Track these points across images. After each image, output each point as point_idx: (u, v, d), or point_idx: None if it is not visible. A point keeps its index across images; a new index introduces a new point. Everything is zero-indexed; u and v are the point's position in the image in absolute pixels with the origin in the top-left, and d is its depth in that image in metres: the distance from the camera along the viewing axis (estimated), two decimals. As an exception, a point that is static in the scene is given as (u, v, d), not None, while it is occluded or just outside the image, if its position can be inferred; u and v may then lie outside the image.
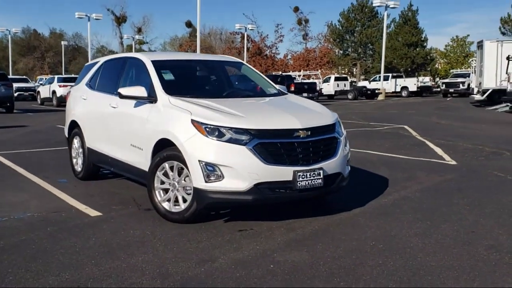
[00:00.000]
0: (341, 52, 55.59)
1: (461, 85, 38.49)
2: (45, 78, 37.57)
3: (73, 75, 36.35)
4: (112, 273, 3.59)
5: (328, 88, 40.71)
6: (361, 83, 45.06)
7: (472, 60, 44.43)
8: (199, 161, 4.51)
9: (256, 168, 4.45)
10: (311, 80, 41.31)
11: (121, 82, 6.09)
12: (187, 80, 6.23)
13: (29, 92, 34.47)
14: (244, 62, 7.31)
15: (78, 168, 6.98)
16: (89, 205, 5.46)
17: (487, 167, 7.79)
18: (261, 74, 6.71)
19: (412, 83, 43.05)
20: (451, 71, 52.78)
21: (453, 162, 8.30)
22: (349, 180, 5.33)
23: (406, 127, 14.36)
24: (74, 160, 7.11)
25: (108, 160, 6.16)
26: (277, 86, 6.32)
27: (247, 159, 4.45)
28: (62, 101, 26.12)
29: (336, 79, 41.71)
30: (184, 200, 4.79)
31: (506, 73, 23.32)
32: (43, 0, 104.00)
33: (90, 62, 7.85)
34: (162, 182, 4.93)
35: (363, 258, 3.88)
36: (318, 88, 35.28)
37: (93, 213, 5.20)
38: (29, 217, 5.04)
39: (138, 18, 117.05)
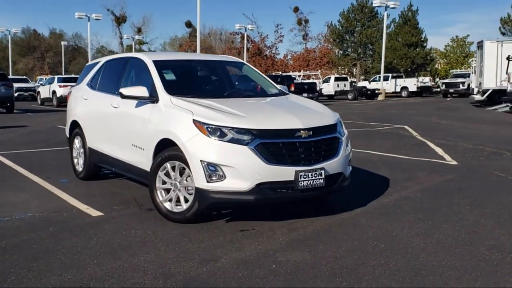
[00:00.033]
0: (341, 52, 55.63)
1: (461, 85, 38.51)
2: (45, 78, 37.57)
3: (73, 75, 36.35)
4: (114, 273, 3.59)
5: (328, 88, 40.71)
6: (361, 83, 45.07)
7: (472, 60, 44.51)
8: (201, 161, 4.51)
9: (258, 168, 4.45)
10: (311, 80, 41.34)
11: (123, 82, 6.10)
12: (188, 80, 6.23)
13: (29, 92, 34.51)
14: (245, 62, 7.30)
15: (79, 168, 6.98)
16: (91, 205, 5.46)
17: (488, 167, 7.79)
18: (262, 74, 6.72)
19: (412, 83, 43.07)
20: (451, 71, 52.83)
21: (454, 162, 8.31)
22: (350, 180, 5.33)
23: (406, 127, 14.37)
24: (75, 160, 7.11)
25: (109, 160, 6.16)
26: (278, 86, 6.33)
27: (249, 159, 4.45)
28: (62, 101, 26.18)
29: (336, 79, 41.72)
30: (186, 200, 4.79)
31: (506, 73, 23.33)
32: (43, 0, 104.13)
33: (91, 62, 7.85)
34: (164, 182, 4.93)
35: (365, 258, 3.88)
36: (318, 88, 35.30)
37: (94, 213, 5.20)
38: (31, 217, 5.04)
39: (138, 18, 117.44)
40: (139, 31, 71.88)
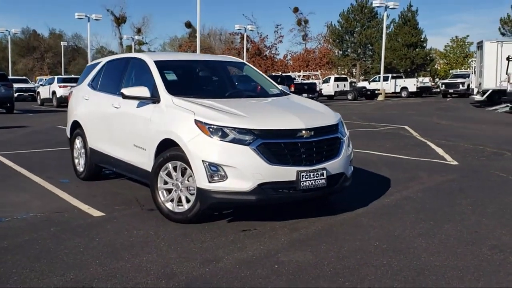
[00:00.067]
0: (341, 52, 55.64)
1: (460, 85, 38.51)
2: (45, 79, 37.57)
3: (73, 76, 36.34)
4: (116, 273, 3.59)
5: (328, 88, 40.72)
6: (360, 84, 45.08)
7: (472, 61, 44.51)
8: (202, 161, 4.51)
9: (259, 168, 4.45)
10: (310, 81, 41.35)
11: (124, 82, 6.09)
12: (190, 81, 6.23)
13: (29, 93, 34.51)
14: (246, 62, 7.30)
15: (80, 168, 6.98)
16: (92, 206, 5.46)
17: (489, 167, 7.79)
18: (263, 74, 6.72)
19: (411, 84, 43.10)
20: (450, 71, 52.83)
21: (455, 163, 8.31)
22: (351, 181, 5.33)
23: (406, 127, 14.37)
24: (76, 161, 7.11)
25: (110, 161, 6.16)
26: (280, 87, 6.33)
27: (250, 159, 4.45)
28: (62, 102, 26.20)
29: (336, 79, 41.73)
30: (188, 200, 4.79)
31: (506, 73, 23.33)
32: (43, 1, 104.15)
33: (92, 62, 7.85)
34: (165, 182, 4.93)
35: (367, 258, 3.88)
36: (318, 89, 35.32)
37: (96, 213, 5.20)
38: (32, 218, 5.04)
39: (137, 19, 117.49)
40: (138, 31, 71.86)
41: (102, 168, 6.76)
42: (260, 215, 5.07)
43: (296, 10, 64.24)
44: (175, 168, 4.85)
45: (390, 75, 44.15)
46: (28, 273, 3.59)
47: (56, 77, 31.01)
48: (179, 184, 4.83)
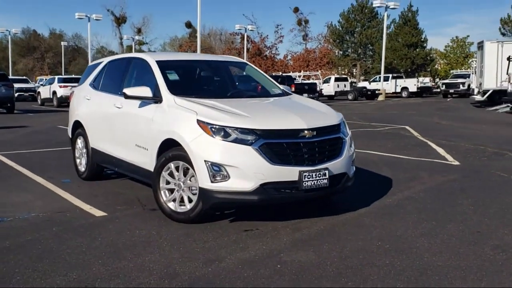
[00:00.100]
0: (341, 52, 55.64)
1: (461, 85, 38.53)
2: (45, 79, 37.57)
3: (73, 76, 36.35)
4: (119, 273, 3.59)
5: (328, 88, 40.73)
6: (361, 84, 45.09)
7: (472, 61, 44.56)
8: (205, 161, 4.51)
9: (261, 168, 4.46)
10: (311, 81, 41.36)
11: (126, 82, 6.09)
12: (191, 80, 6.24)
13: (29, 93, 34.50)
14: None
15: (82, 168, 6.98)
16: (94, 205, 5.46)
17: (490, 167, 7.79)
18: (265, 74, 6.72)
19: (412, 84, 43.10)
20: (451, 71, 52.84)
21: (456, 163, 8.31)
22: (354, 181, 5.33)
23: (407, 127, 14.38)
24: (78, 161, 7.11)
25: (112, 161, 6.16)
26: (281, 87, 6.33)
27: (253, 159, 4.45)
28: (62, 102, 26.20)
29: (336, 79, 41.74)
30: (190, 200, 4.79)
31: (507, 73, 23.34)
32: (43, 1, 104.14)
33: (93, 62, 7.85)
34: (168, 182, 4.93)
35: (370, 258, 3.88)
36: (318, 89, 35.32)
37: (98, 213, 5.20)
38: (34, 217, 5.04)
39: (138, 19, 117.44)
40: (139, 31, 71.87)
41: (103, 168, 6.76)
42: (262, 215, 5.07)
43: (296, 10, 64.27)
44: (177, 168, 4.85)
45: (390, 75, 44.16)
46: (31, 273, 3.59)
47: (56, 77, 31.02)
48: (181, 184, 4.84)
